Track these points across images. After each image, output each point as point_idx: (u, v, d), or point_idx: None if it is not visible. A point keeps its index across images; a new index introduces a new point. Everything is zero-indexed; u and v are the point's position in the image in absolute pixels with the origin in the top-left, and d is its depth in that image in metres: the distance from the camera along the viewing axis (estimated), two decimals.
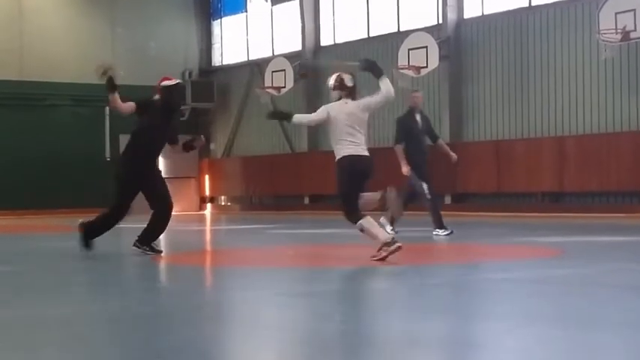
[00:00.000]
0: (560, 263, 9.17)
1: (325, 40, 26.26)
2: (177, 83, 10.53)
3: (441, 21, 22.63)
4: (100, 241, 10.58)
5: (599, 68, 19.59)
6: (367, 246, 9.31)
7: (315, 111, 9.58)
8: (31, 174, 26.69)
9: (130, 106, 10.25)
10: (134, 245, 10.32)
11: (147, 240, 10.36)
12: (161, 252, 10.47)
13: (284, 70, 25.24)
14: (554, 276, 7.99)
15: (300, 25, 26.41)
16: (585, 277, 7.91)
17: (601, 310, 5.88)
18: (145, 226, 10.42)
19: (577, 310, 5.87)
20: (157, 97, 10.49)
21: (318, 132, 25.65)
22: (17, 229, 19.25)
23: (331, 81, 9.36)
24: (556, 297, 6.62)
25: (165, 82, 10.39)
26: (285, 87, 25.14)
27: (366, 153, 9.22)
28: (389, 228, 12.42)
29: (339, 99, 9.23)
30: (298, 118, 9.62)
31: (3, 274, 9.05)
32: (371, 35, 24.71)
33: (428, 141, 13.63)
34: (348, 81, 9.24)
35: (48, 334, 5.28)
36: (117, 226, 10.56)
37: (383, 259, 8.86)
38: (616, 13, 18.04)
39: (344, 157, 9.10)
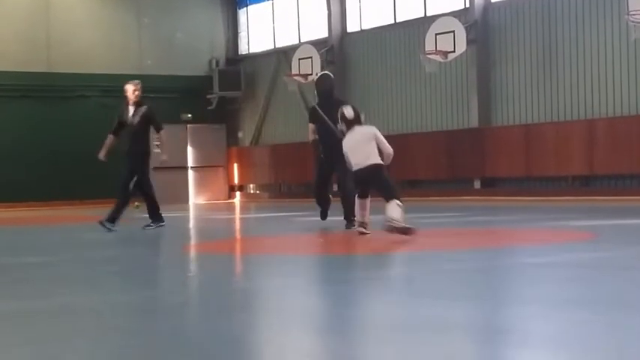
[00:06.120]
0: (593, 247, 9.10)
1: (351, 27, 26.19)
2: None
3: (468, 5, 22.49)
4: (125, 231, 10.61)
5: (628, 49, 19.40)
6: (396, 233, 9.29)
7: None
8: (61, 165, 26.83)
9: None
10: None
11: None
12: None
13: (311, 57, 25.23)
14: (587, 259, 7.93)
15: (326, 11, 26.35)
16: (618, 261, 7.85)
17: (635, 293, 5.82)
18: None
19: (610, 294, 5.82)
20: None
21: None
22: (49, 220, 19.37)
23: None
24: (589, 280, 6.56)
25: None
26: (311, 74, 25.11)
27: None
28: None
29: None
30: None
31: (35, 265, 9.10)
32: (397, 21, 24.62)
33: None
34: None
35: (80, 325, 5.29)
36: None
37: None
38: None
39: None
